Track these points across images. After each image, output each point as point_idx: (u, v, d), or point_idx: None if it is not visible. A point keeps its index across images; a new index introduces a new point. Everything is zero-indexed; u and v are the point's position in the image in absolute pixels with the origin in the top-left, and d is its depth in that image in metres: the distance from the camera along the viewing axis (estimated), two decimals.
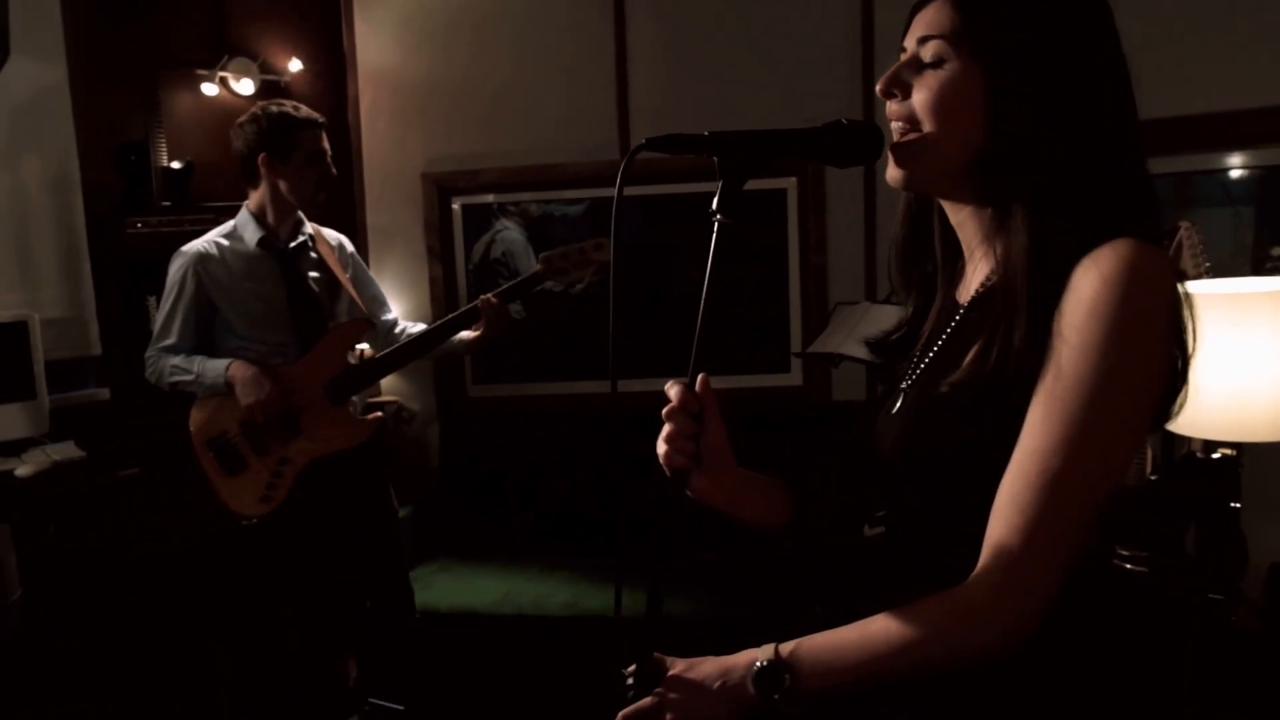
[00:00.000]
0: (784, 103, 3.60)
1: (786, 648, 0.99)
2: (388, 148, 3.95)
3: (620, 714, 1.04)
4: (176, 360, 2.58)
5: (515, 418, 3.84)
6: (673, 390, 1.08)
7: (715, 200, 1.03)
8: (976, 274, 1.08)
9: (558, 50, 3.79)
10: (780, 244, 3.66)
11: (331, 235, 2.81)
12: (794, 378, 3.70)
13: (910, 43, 1.04)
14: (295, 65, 3.89)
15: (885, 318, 2.89)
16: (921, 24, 1.02)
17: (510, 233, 3.93)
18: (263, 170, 2.59)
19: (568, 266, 2.71)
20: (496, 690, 3.07)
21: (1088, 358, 0.90)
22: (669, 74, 3.72)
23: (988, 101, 0.98)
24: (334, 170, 2.69)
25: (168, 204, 3.56)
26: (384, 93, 3.95)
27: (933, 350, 1.10)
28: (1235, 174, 3.13)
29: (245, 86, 3.79)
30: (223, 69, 3.76)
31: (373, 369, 2.74)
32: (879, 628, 0.97)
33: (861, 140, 1.06)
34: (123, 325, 3.45)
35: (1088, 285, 0.90)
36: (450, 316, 2.72)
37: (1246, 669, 2.73)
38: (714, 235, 1.03)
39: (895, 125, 1.04)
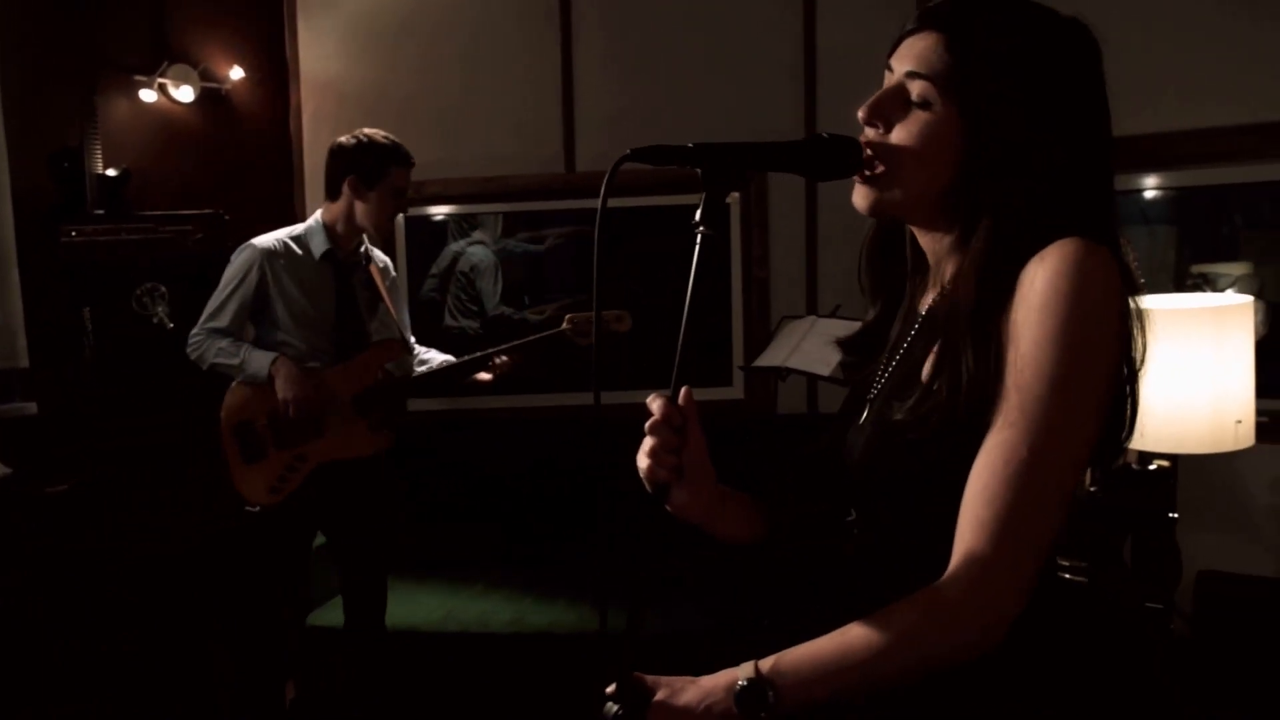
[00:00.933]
0: (730, 114, 3.66)
1: (766, 664, 0.98)
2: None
3: None
4: (224, 344, 2.67)
5: (454, 432, 3.81)
6: (655, 403, 1.06)
7: (698, 212, 1.03)
8: (938, 284, 1.11)
9: (505, 62, 3.80)
10: (722, 257, 3.70)
11: (380, 257, 2.92)
12: (736, 391, 3.74)
13: (898, 69, 1.05)
14: (237, 73, 3.84)
15: (833, 331, 2.95)
16: (911, 55, 1.03)
17: (478, 249, 3.91)
18: (346, 190, 2.70)
19: (590, 330, 2.82)
20: (442, 710, 3.04)
21: (1042, 350, 0.92)
22: (616, 86, 3.76)
23: (964, 147, 1.01)
24: (407, 206, 2.86)
25: (100, 212, 3.49)
26: (327, 102, 3.92)
27: (894, 362, 1.13)
28: (1150, 194, 3.27)
29: (185, 94, 3.74)
30: (162, 75, 3.71)
31: (400, 389, 2.89)
32: (856, 635, 0.96)
33: (841, 154, 1.06)
34: (55, 337, 3.36)
35: (1037, 280, 0.93)
36: (472, 357, 2.84)
37: (1185, 676, 2.84)
38: (697, 247, 1.03)
39: (867, 152, 1.06)
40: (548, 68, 3.78)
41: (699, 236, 1.03)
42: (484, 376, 2.84)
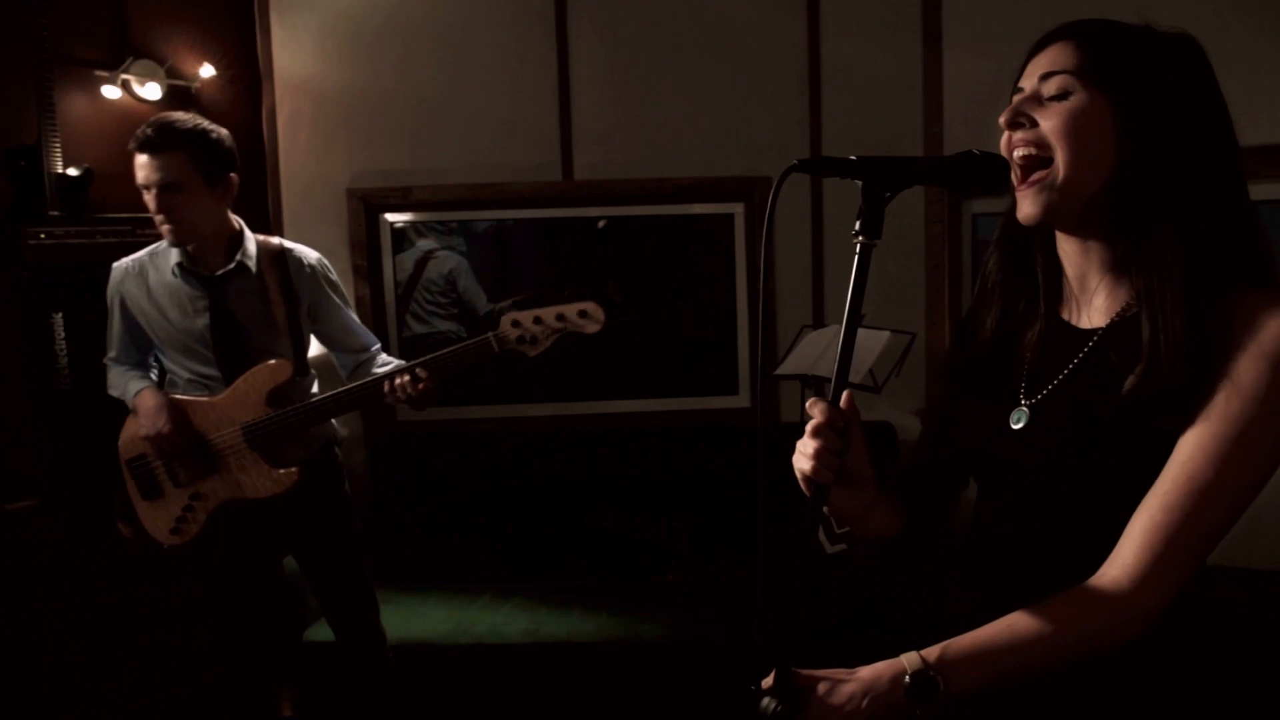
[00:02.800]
0: (730, 126, 3.63)
1: (932, 654, 1.03)
2: (308, 161, 3.72)
3: None
4: (113, 374, 2.53)
5: (448, 443, 3.67)
6: (816, 407, 1.09)
7: (858, 223, 1.05)
8: (1101, 302, 1.13)
9: (496, 66, 3.68)
10: (728, 268, 3.65)
11: (303, 256, 2.56)
12: (742, 400, 3.70)
13: (1029, 82, 1.09)
14: (207, 71, 3.62)
15: (859, 340, 2.93)
16: (1043, 63, 1.08)
17: (450, 253, 3.76)
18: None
19: (537, 332, 2.34)
20: None
21: (1252, 396, 0.98)
22: (613, 95, 3.67)
23: (1116, 130, 1.04)
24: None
25: (56, 214, 3.23)
26: (305, 103, 3.72)
27: (1062, 373, 1.14)
28: None
29: (151, 91, 3.52)
30: (125, 71, 3.47)
31: (295, 418, 2.42)
32: (1024, 623, 1.03)
33: (989, 171, 1.09)
34: (14, 342, 3.08)
35: (1265, 331, 0.98)
36: (357, 387, 2.43)
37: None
38: (856, 255, 1.06)
39: (1020, 153, 1.08)
40: (543, 75, 3.67)
41: (858, 245, 1.06)
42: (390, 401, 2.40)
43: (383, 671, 2.63)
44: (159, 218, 2.36)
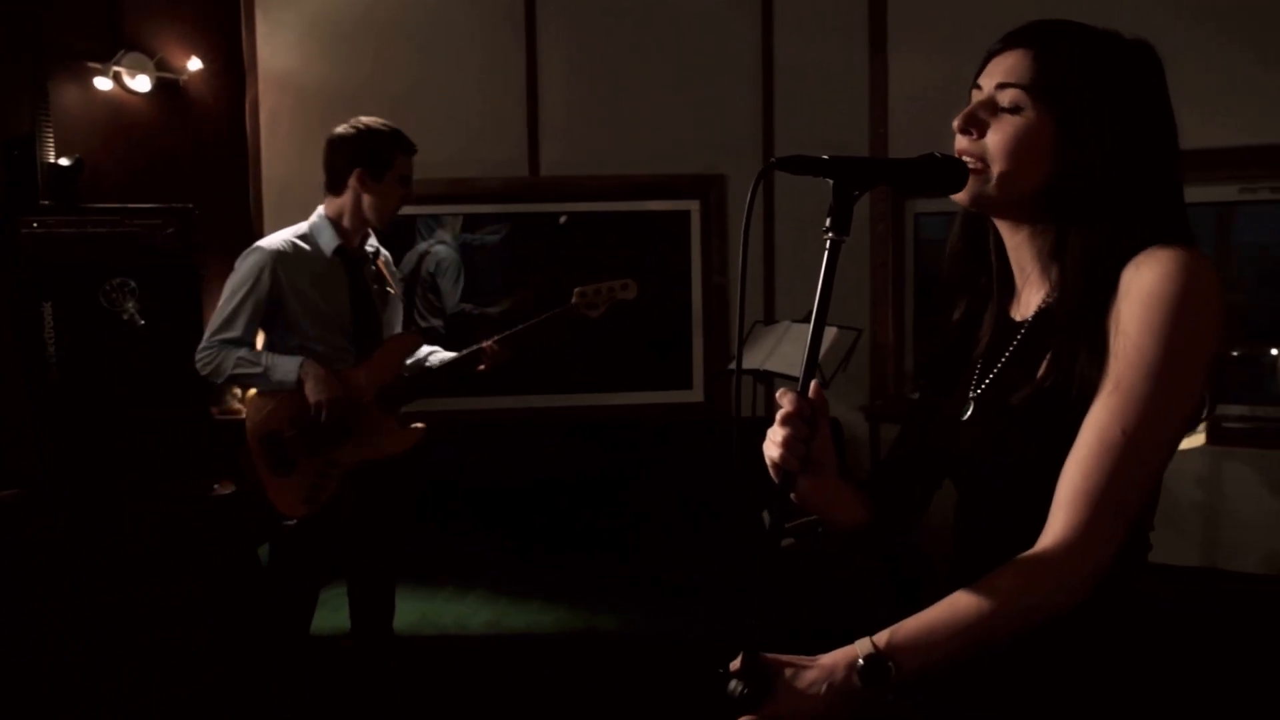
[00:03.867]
0: (688, 125, 3.79)
1: (881, 638, 1.05)
2: (289, 155, 3.87)
3: None
4: (243, 353, 2.56)
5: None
6: (785, 397, 1.12)
7: (828, 219, 1.08)
8: (1033, 294, 1.20)
9: (469, 65, 3.83)
10: (683, 264, 3.81)
11: (385, 253, 2.85)
12: (696, 394, 3.86)
13: (987, 85, 1.14)
14: (195, 64, 3.78)
15: (807, 336, 3.07)
16: (1000, 70, 1.13)
17: (444, 249, 3.93)
18: (353, 183, 2.62)
19: (598, 302, 2.78)
20: (424, 714, 3.01)
21: (1147, 341, 1.02)
22: (579, 94, 3.83)
23: (1057, 147, 1.10)
24: (413, 195, 2.75)
25: (47, 204, 3.39)
26: (286, 98, 3.89)
27: (997, 365, 1.22)
28: None
29: (141, 83, 3.66)
30: (117, 64, 3.62)
31: (423, 383, 2.78)
32: (965, 601, 1.05)
33: (950, 173, 1.14)
34: (5, 332, 3.23)
35: (1147, 278, 1.03)
36: (461, 355, 2.76)
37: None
38: (826, 252, 1.08)
39: (966, 159, 1.14)
40: (512, 74, 3.82)
41: (828, 242, 1.08)
42: (480, 367, 2.74)
43: (388, 657, 2.80)
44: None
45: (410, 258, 3.93)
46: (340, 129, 2.67)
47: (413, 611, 3.10)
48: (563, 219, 3.84)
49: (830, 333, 3.21)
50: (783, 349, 3.01)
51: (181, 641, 2.97)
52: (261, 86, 3.87)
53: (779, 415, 1.12)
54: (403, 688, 2.95)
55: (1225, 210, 3.67)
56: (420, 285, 3.93)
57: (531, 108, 3.83)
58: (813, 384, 1.12)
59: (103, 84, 3.62)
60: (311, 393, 2.51)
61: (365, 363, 2.66)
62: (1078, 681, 1.13)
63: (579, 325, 2.79)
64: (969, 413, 1.22)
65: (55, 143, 3.46)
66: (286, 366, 2.54)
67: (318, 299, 2.62)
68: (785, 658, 1.08)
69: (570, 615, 3.07)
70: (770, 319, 3.70)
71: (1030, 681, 1.13)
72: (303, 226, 2.69)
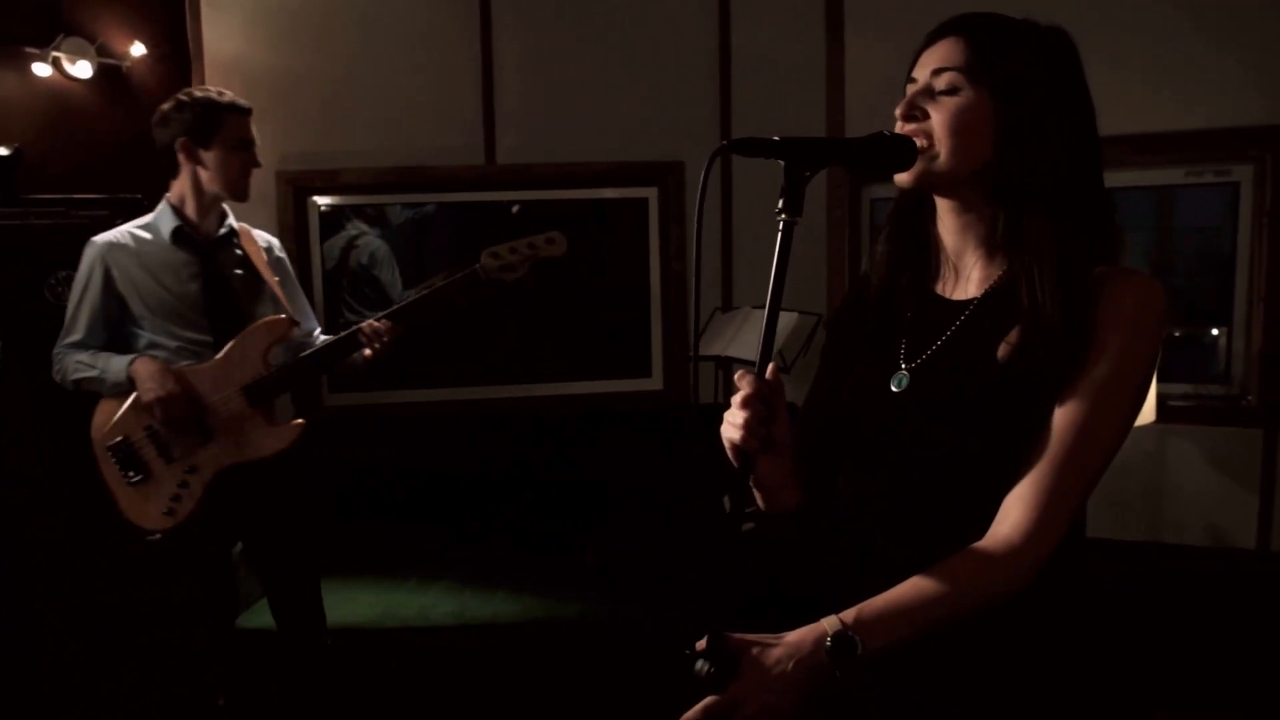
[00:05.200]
0: (648, 111, 3.78)
1: (849, 616, 1.10)
2: None
3: (701, 705, 1.08)
4: (82, 356, 2.42)
5: (371, 427, 3.75)
6: (744, 380, 1.14)
7: (781, 201, 1.10)
8: (977, 275, 1.24)
9: (423, 51, 3.78)
10: (641, 252, 3.81)
11: (261, 236, 2.67)
12: (655, 382, 3.87)
13: (922, 74, 1.20)
14: (138, 49, 3.68)
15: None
16: (934, 57, 1.19)
17: (371, 239, 3.88)
18: (182, 157, 2.45)
19: (514, 263, 2.54)
20: (389, 706, 3.01)
21: (1116, 361, 1.11)
22: (534, 80, 3.80)
23: (995, 123, 1.16)
24: (259, 160, 2.56)
25: None
26: (234, 84, 3.75)
27: (940, 338, 1.24)
28: None
29: (82, 69, 3.57)
30: (56, 49, 3.52)
31: (296, 371, 2.52)
32: (928, 582, 1.12)
33: (899, 152, 1.18)
34: None
35: (1128, 303, 1.12)
36: (334, 340, 2.54)
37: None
38: (779, 233, 1.10)
39: (915, 139, 1.19)
40: (467, 61, 3.78)
41: (781, 223, 1.10)
42: (366, 351, 2.48)
43: (322, 657, 2.69)
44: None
45: (332, 247, 3.84)
46: (163, 105, 2.49)
47: (375, 605, 3.09)
48: (515, 208, 3.81)
49: (790, 318, 3.23)
50: (743, 335, 3.02)
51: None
52: (208, 72, 3.77)
53: (737, 398, 1.14)
54: (364, 682, 2.94)
55: (1165, 193, 3.75)
56: (349, 277, 3.84)
57: (487, 94, 3.79)
58: (770, 366, 1.14)
59: (41, 70, 3.52)
60: (142, 390, 2.34)
61: (222, 355, 2.44)
62: (1022, 657, 1.19)
63: (509, 294, 2.55)
64: (905, 383, 1.24)
65: None
66: (118, 366, 2.38)
67: (158, 288, 2.43)
68: (751, 636, 1.10)
69: (535, 604, 3.08)
70: (728, 305, 3.71)
71: (975, 661, 1.19)
72: (148, 216, 2.53)
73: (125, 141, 3.67)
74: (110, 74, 3.65)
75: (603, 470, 3.60)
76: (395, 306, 2.51)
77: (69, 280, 3.02)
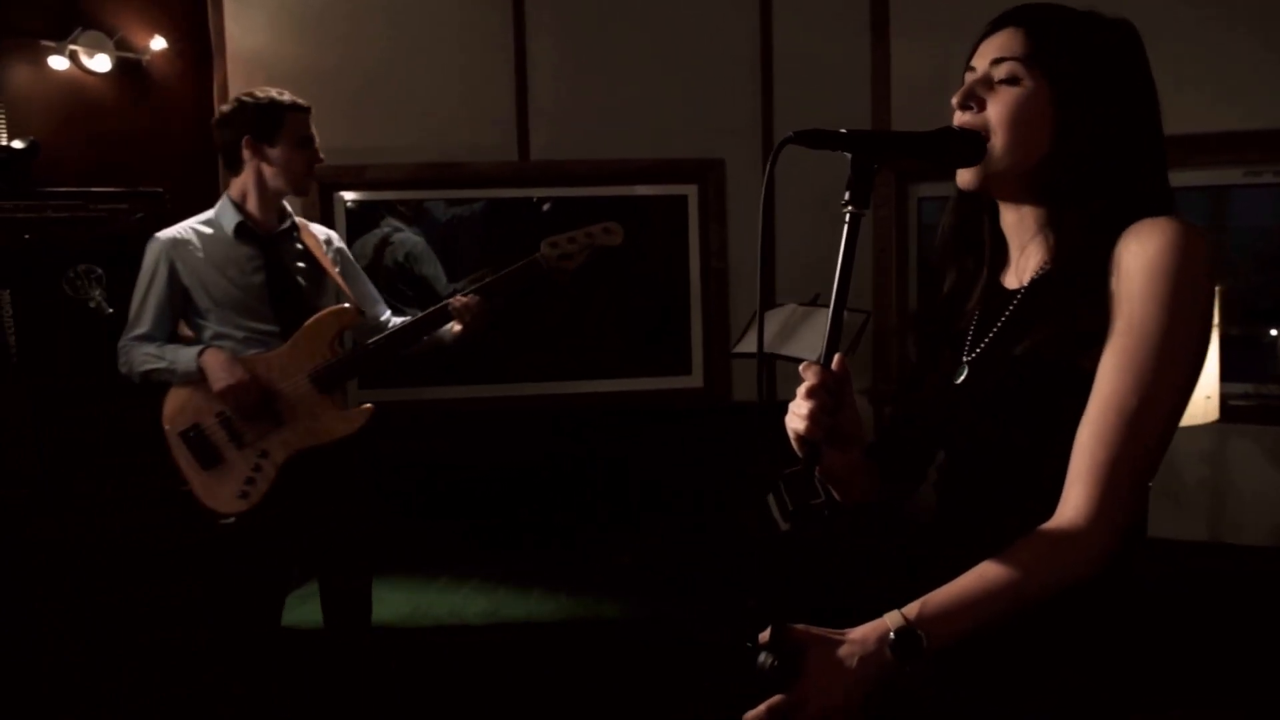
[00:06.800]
0: (684, 110, 3.68)
1: (912, 611, 1.06)
2: None
3: (765, 705, 1.05)
4: (150, 349, 2.47)
5: (403, 425, 3.62)
6: (809, 370, 1.12)
7: (847, 193, 1.08)
8: (1029, 263, 1.22)
9: (454, 46, 3.68)
10: (681, 249, 3.71)
11: (319, 230, 2.73)
12: (695, 379, 3.78)
13: (981, 63, 1.17)
14: (158, 43, 3.57)
15: (814, 319, 3.01)
16: (994, 47, 1.16)
17: (407, 235, 3.77)
18: (246, 154, 2.51)
19: (573, 251, 2.57)
20: (422, 705, 2.93)
21: (1153, 310, 1.04)
22: (569, 76, 3.71)
23: (1055, 115, 1.12)
24: (321, 156, 2.59)
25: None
26: (257, 78, 3.66)
27: (993, 330, 1.22)
28: None
29: (100, 63, 3.46)
30: (73, 42, 3.42)
31: (363, 358, 2.59)
32: (995, 570, 1.06)
33: (968, 146, 1.15)
34: None
35: (1149, 249, 1.05)
36: (423, 315, 2.58)
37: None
38: (845, 226, 1.09)
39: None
40: (501, 57, 3.68)
41: (847, 215, 1.08)
42: (456, 327, 2.56)
43: (363, 654, 2.69)
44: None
45: (364, 244, 3.75)
46: (222, 106, 2.58)
47: (405, 603, 3.04)
48: (545, 206, 3.70)
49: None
50: (788, 331, 2.92)
51: (181, 641, 2.91)
52: (230, 67, 3.67)
53: (803, 388, 1.12)
54: (396, 680, 2.87)
55: (1219, 193, 3.69)
56: (385, 276, 3.75)
57: (520, 90, 3.69)
58: (836, 356, 1.12)
59: (58, 63, 3.42)
60: (213, 380, 2.39)
61: (289, 343, 2.50)
62: (1074, 656, 1.14)
63: (555, 287, 2.58)
64: (963, 376, 1.24)
65: (8, 125, 3.28)
66: (187, 357, 2.43)
67: (223, 281, 2.50)
68: (815, 630, 1.08)
69: (571, 604, 3.03)
70: (770, 303, 3.59)
71: (1028, 658, 1.15)
72: (209, 212, 2.59)
73: (145, 136, 3.58)
74: (129, 68, 3.55)
75: (641, 468, 3.57)
76: (479, 284, 2.54)
77: (89, 274, 2.97)
